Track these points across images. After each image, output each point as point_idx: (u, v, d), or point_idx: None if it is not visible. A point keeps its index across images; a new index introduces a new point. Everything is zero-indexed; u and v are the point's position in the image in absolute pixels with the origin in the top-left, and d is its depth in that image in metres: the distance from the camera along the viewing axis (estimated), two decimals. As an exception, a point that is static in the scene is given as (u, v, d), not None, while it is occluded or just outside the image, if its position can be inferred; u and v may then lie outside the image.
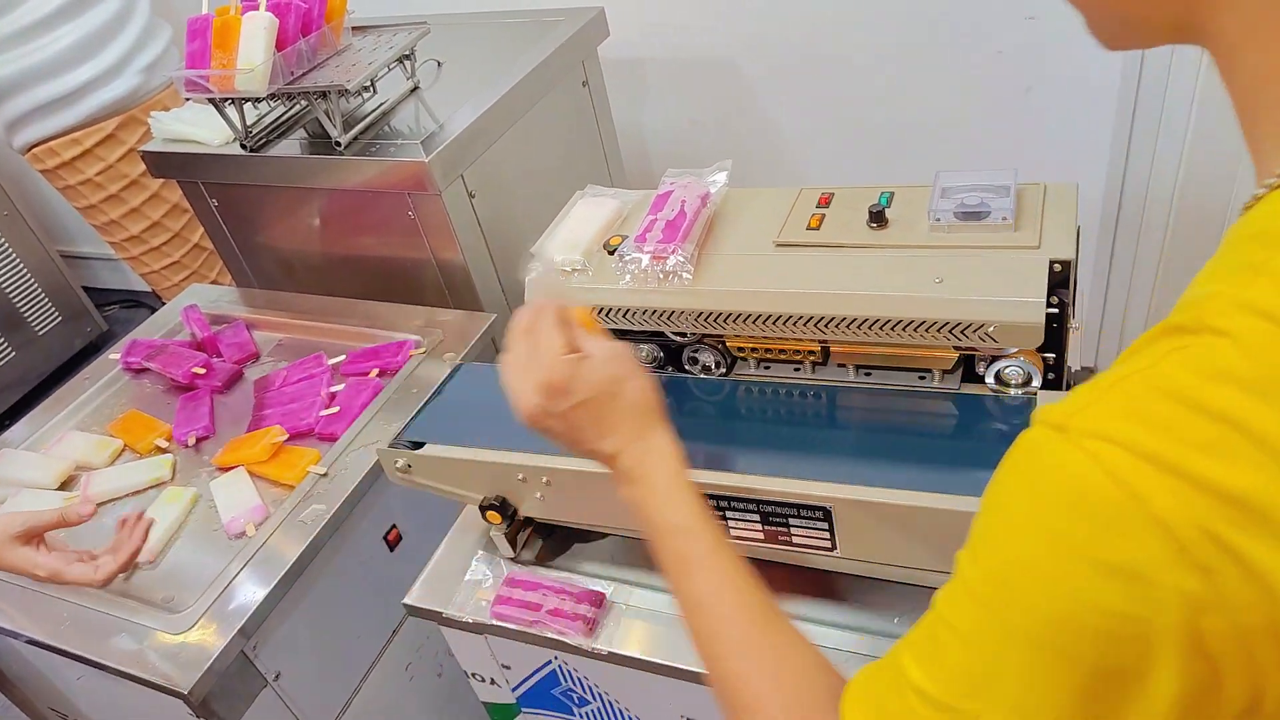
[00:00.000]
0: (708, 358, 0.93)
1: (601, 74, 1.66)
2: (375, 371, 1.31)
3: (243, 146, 1.44)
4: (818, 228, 0.88)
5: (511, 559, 0.96)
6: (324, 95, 1.32)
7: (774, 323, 0.85)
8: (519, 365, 0.67)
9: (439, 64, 1.57)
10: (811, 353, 0.87)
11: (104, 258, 2.93)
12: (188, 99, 1.38)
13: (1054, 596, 0.37)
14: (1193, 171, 1.55)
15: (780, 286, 0.84)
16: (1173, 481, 0.34)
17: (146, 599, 1.05)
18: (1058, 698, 0.38)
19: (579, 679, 0.96)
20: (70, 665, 1.05)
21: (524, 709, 1.04)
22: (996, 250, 0.80)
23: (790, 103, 1.81)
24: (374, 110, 1.44)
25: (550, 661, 0.95)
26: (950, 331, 0.78)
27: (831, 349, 0.86)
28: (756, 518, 0.79)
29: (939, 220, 0.83)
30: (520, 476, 0.87)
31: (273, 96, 1.33)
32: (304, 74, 1.34)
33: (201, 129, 1.50)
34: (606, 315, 0.92)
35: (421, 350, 1.32)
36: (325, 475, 1.13)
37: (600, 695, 0.96)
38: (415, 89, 1.50)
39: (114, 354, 1.46)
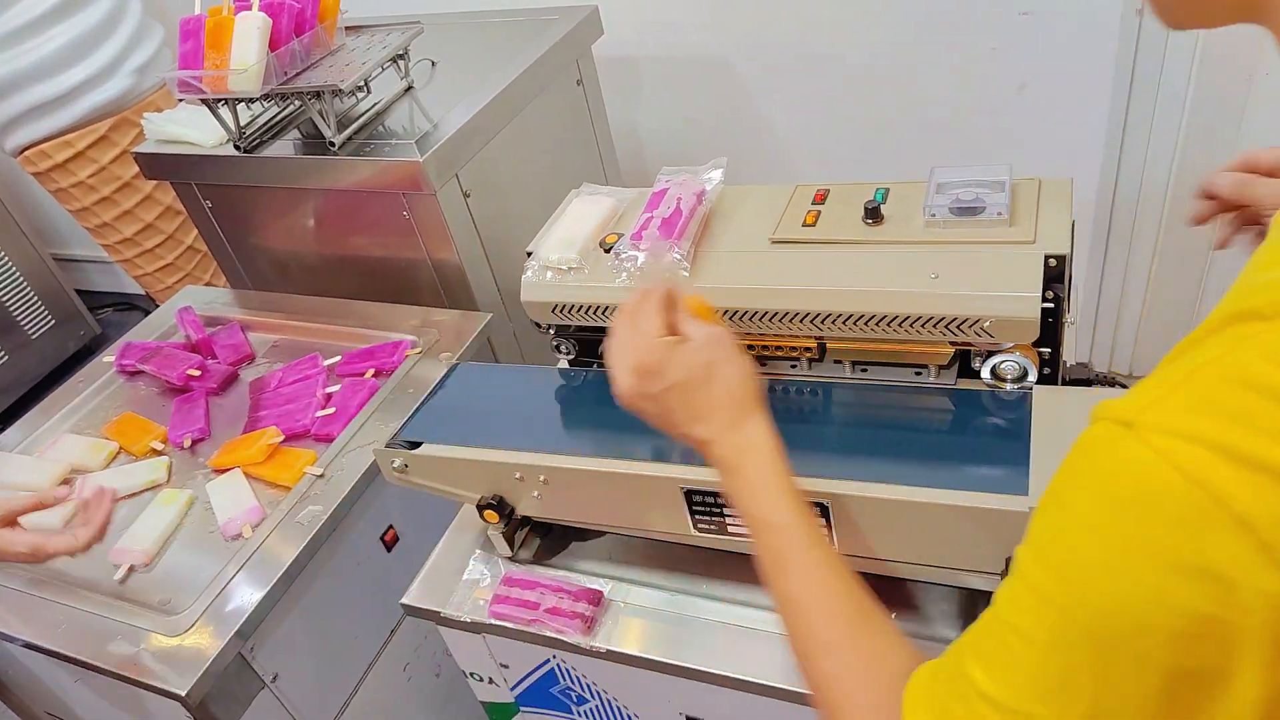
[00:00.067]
0: (704, 355, 0.93)
1: (596, 72, 1.66)
2: (371, 372, 1.30)
3: (236, 147, 1.44)
4: (813, 224, 0.89)
5: (509, 558, 0.96)
6: (318, 95, 1.32)
7: (770, 319, 0.85)
8: (618, 347, 0.67)
9: (433, 63, 1.57)
10: (808, 349, 0.87)
11: (97, 260, 2.92)
12: (181, 100, 1.38)
13: (1130, 600, 0.36)
14: (1186, 166, 1.56)
15: (776, 283, 0.85)
16: (1253, 476, 0.33)
17: (143, 601, 1.04)
18: (1135, 701, 0.37)
19: (577, 677, 0.96)
20: (66, 669, 1.05)
21: (522, 708, 1.04)
22: (992, 245, 0.80)
23: (785, 100, 1.82)
24: (368, 110, 1.43)
25: (549, 660, 0.95)
26: (946, 327, 0.78)
27: (828, 345, 0.86)
28: (754, 514, 0.78)
29: (934, 216, 0.84)
30: (517, 475, 0.86)
31: (266, 97, 1.33)
32: (297, 74, 1.34)
33: (195, 130, 1.50)
34: (603, 314, 0.92)
35: (417, 350, 1.32)
36: (322, 476, 1.13)
37: (599, 693, 0.96)
38: (409, 89, 1.50)
39: (108, 356, 1.46)
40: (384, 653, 1.21)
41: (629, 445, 0.85)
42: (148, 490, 1.20)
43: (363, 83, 1.37)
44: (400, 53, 1.44)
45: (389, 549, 1.19)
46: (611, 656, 0.86)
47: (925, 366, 0.84)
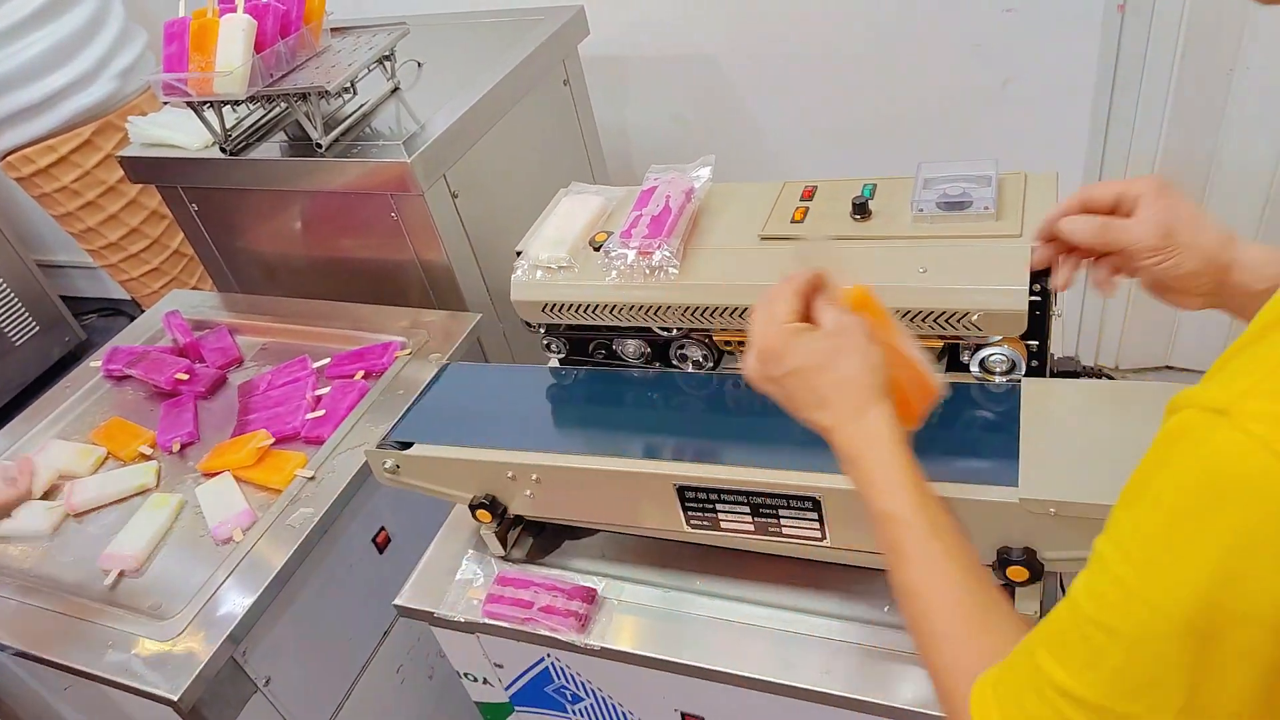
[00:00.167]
0: (695, 352, 0.93)
1: (582, 72, 1.66)
2: (360, 374, 1.30)
3: (222, 150, 1.43)
4: (802, 220, 0.89)
5: (502, 557, 0.96)
6: (304, 97, 1.32)
7: (760, 316, 0.85)
8: (752, 329, 0.67)
9: (419, 64, 1.57)
10: (798, 345, 0.87)
11: (82, 266, 2.90)
12: (166, 103, 1.37)
13: (1232, 591, 0.35)
14: (1168, 159, 1.57)
15: (766, 279, 0.85)
16: None
17: (134, 607, 1.04)
18: (1234, 695, 0.36)
19: (572, 675, 0.96)
20: (57, 676, 1.04)
21: (517, 708, 1.04)
22: (979, 239, 0.81)
23: (772, 98, 1.82)
24: (354, 112, 1.43)
25: (543, 659, 0.95)
26: (935, 320, 0.79)
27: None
28: (747, 510, 0.79)
29: (922, 211, 0.84)
30: (510, 475, 0.87)
31: (252, 99, 1.32)
32: (283, 76, 1.34)
33: (180, 133, 1.49)
34: (593, 311, 0.92)
35: (407, 351, 1.31)
36: (312, 479, 1.13)
37: (593, 691, 0.96)
38: (396, 90, 1.49)
39: (95, 361, 1.45)
40: (377, 655, 1.21)
41: (621, 443, 0.85)
42: (137, 495, 1.19)
43: (349, 84, 1.36)
44: (386, 54, 1.44)
45: (381, 551, 1.19)
46: (606, 654, 0.87)
47: (915, 360, 0.84)
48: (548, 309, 0.94)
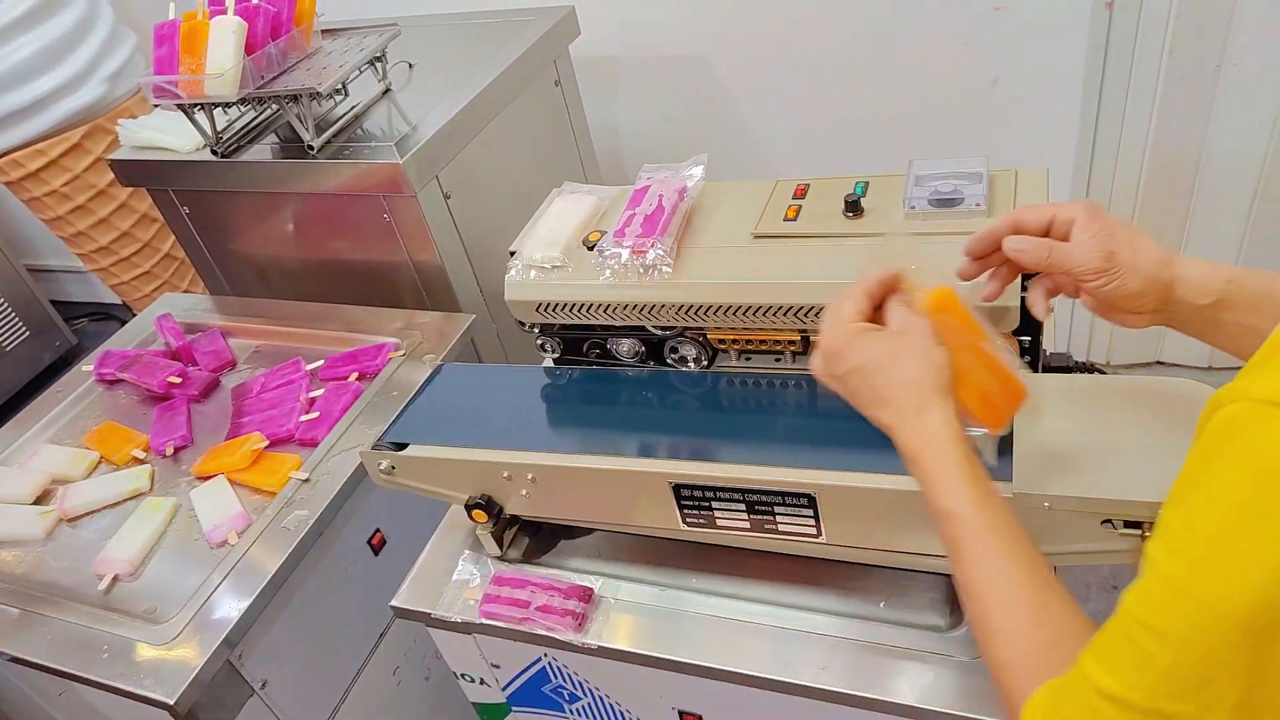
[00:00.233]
0: (689, 351, 0.93)
1: (574, 73, 1.67)
2: (354, 375, 1.30)
3: (213, 152, 1.43)
4: (794, 219, 0.89)
5: (498, 557, 0.96)
6: (295, 99, 1.31)
7: (754, 314, 0.85)
8: (821, 327, 0.68)
9: (410, 66, 1.57)
10: (792, 343, 0.87)
11: (72, 270, 2.89)
12: (156, 106, 1.37)
13: None
14: (1158, 155, 1.58)
15: (759, 278, 0.85)
16: None
17: (129, 611, 1.03)
18: None
19: (569, 675, 0.96)
20: (52, 681, 1.04)
21: (514, 708, 1.04)
22: (971, 236, 0.81)
23: (763, 97, 1.83)
24: (346, 113, 1.43)
25: (540, 659, 0.95)
26: (928, 317, 0.79)
27: (812, 339, 0.87)
28: (742, 507, 0.79)
29: (914, 208, 0.84)
30: (505, 474, 0.87)
31: (243, 101, 1.32)
32: (274, 78, 1.33)
33: (170, 136, 1.48)
34: (587, 311, 0.92)
35: (401, 353, 1.31)
36: (307, 481, 1.12)
37: (591, 690, 0.96)
38: (387, 91, 1.49)
39: (86, 366, 1.44)
40: (373, 657, 1.21)
41: (616, 442, 0.85)
42: (130, 499, 1.19)
43: (340, 85, 1.36)
44: (378, 55, 1.44)
45: (376, 552, 1.19)
46: (603, 653, 0.87)
47: (908, 357, 0.85)
48: (542, 309, 0.94)
